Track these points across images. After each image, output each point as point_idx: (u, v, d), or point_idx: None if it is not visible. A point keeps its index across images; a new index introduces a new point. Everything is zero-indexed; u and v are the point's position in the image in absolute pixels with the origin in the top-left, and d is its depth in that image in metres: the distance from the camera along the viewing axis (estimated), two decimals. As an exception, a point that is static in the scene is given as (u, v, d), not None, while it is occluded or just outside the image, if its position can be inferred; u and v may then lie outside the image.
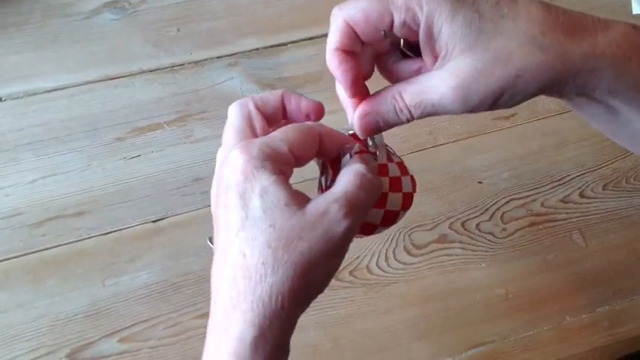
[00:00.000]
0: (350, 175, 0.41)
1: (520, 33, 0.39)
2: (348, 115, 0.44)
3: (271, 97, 0.45)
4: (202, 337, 0.41)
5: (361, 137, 0.44)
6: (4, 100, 0.76)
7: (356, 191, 0.40)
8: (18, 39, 0.81)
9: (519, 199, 0.73)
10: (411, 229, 0.70)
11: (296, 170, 0.42)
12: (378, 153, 0.46)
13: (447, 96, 0.40)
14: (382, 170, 0.46)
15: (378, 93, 0.43)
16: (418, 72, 0.42)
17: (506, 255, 0.69)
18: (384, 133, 0.45)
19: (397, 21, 0.40)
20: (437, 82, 0.40)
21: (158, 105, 0.77)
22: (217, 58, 0.82)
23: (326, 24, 0.41)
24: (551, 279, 0.68)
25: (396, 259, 0.68)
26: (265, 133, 0.43)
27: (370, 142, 0.46)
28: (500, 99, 0.40)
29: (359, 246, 0.68)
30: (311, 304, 0.41)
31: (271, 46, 0.83)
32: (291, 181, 0.41)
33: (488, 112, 0.59)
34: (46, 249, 0.67)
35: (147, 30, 0.83)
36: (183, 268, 0.66)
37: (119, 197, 0.70)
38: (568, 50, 0.39)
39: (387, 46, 0.43)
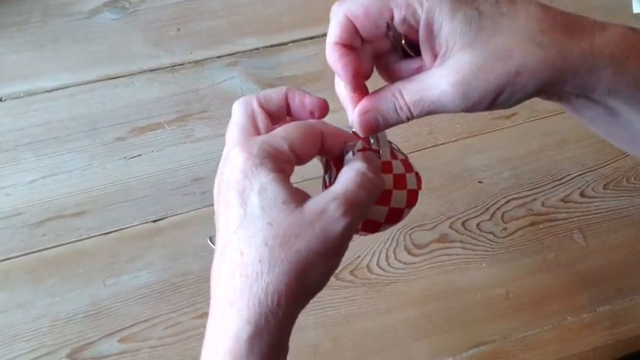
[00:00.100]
0: (350, 173, 0.41)
1: (519, 31, 0.39)
2: (348, 113, 0.44)
3: (275, 94, 0.45)
4: (202, 337, 0.41)
5: (361, 135, 0.44)
6: (5, 99, 0.76)
7: (356, 190, 0.40)
8: (18, 38, 0.81)
9: (520, 198, 0.73)
10: (411, 229, 0.70)
11: (296, 169, 0.42)
12: (381, 150, 0.46)
13: (446, 93, 0.40)
14: (386, 167, 0.46)
15: (378, 91, 0.43)
16: (418, 71, 0.42)
17: (507, 254, 0.69)
18: (386, 131, 0.45)
19: (397, 17, 0.40)
20: (436, 79, 0.40)
21: (158, 104, 0.77)
22: (217, 57, 0.82)
23: (326, 23, 0.41)
24: (551, 278, 0.68)
25: (396, 259, 0.68)
26: (269, 130, 0.43)
27: (372, 140, 0.46)
28: (500, 97, 0.40)
29: (359, 245, 0.68)
30: (311, 304, 0.41)
31: (271, 46, 0.83)
32: (291, 180, 0.41)
33: (488, 112, 0.59)
34: (47, 249, 0.67)
35: (147, 29, 0.83)
36: (183, 268, 0.66)
37: (119, 197, 0.70)
38: (567, 48, 0.39)
39: (387, 44, 0.43)
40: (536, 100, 0.42)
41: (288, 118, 0.46)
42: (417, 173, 0.48)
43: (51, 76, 0.78)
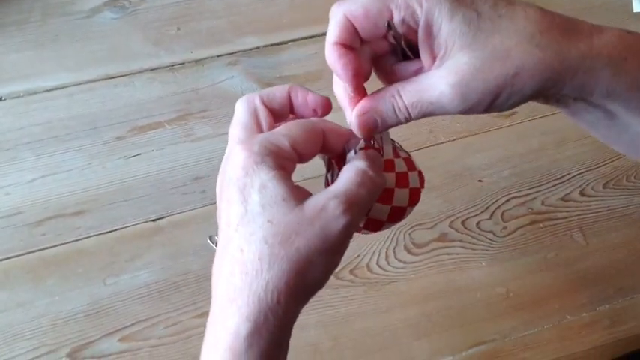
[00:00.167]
0: (351, 171, 0.41)
1: (518, 32, 0.39)
2: (347, 114, 0.44)
3: (277, 92, 0.45)
4: (202, 335, 0.41)
5: (359, 136, 0.43)
6: (5, 99, 0.76)
7: (356, 188, 0.40)
8: (18, 38, 0.81)
9: (520, 197, 0.73)
10: (411, 228, 0.70)
11: (297, 169, 0.42)
12: (383, 149, 0.46)
13: (445, 93, 0.40)
14: (388, 166, 0.46)
15: (376, 92, 0.43)
16: (416, 73, 0.42)
17: (507, 253, 0.69)
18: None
19: (396, 18, 0.40)
20: (435, 80, 0.40)
21: (158, 104, 0.77)
22: (217, 56, 0.82)
23: (326, 23, 0.41)
24: (551, 277, 0.68)
25: (396, 258, 0.68)
26: (271, 128, 0.43)
27: (372, 141, 0.46)
28: (498, 98, 0.40)
29: (359, 245, 0.68)
30: (311, 303, 0.41)
31: (271, 45, 0.83)
32: (292, 179, 0.41)
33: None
34: (47, 248, 0.67)
35: (147, 29, 0.83)
36: (183, 267, 0.66)
37: (119, 196, 0.70)
38: (565, 50, 0.39)
39: (386, 46, 0.43)
40: (536, 99, 0.42)
41: (291, 116, 0.46)
42: (419, 172, 0.48)
43: (51, 75, 0.78)
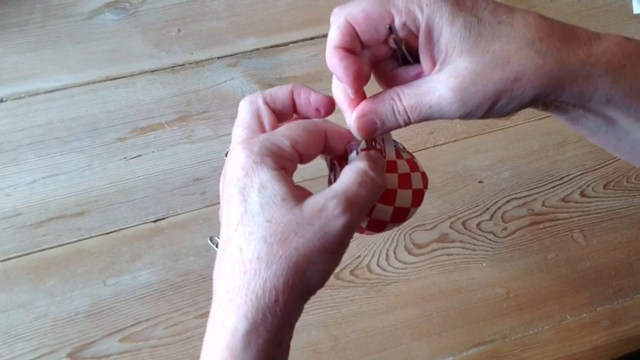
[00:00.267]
0: (351, 172, 0.41)
1: (518, 38, 0.39)
2: (346, 117, 0.44)
3: (280, 92, 0.45)
4: (203, 336, 0.41)
5: (358, 138, 0.44)
6: (5, 100, 0.76)
7: (355, 188, 0.40)
8: (19, 39, 0.82)
9: (520, 198, 0.73)
10: (411, 229, 0.70)
11: (298, 169, 0.42)
12: (385, 149, 0.46)
13: (444, 97, 0.40)
14: (390, 167, 0.46)
15: (376, 95, 0.43)
16: (416, 79, 0.43)
17: (507, 254, 0.69)
18: None
19: (397, 22, 0.40)
20: (435, 84, 0.40)
21: (159, 105, 0.77)
22: (218, 58, 0.82)
23: (326, 24, 0.41)
24: (551, 278, 0.68)
25: (396, 259, 0.68)
26: (274, 128, 0.43)
27: (373, 142, 0.46)
28: (497, 103, 0.40)
29: (360, 245, 0.69)
30: (312, 304, 0.41)
31: (272, 46, 0.83)
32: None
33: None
34: (47, 249, 0.67)
35: (148, 30, 0.84)
36: (184, 268, 0.66)
37: (120, 197, 0.70)
38: (564, 56, 0.39)
39: (386, 51, 0.43)
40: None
41: (295, 115, 0.46)
42: (423, 173, 0.48)
43: (52, 76, 0.79)
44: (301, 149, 0.41)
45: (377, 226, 0.47)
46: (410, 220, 0.48)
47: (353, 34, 0.41)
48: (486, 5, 0.40)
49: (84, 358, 0.61)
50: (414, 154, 0.49)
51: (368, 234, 0.49)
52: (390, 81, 0.44)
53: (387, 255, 0.68)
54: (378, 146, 0.45)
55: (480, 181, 0.74)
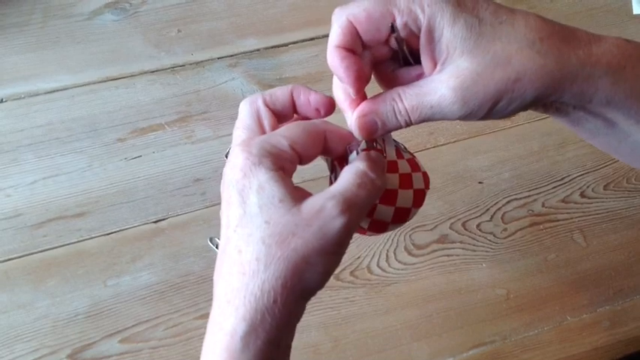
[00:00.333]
0: (350, 172, 0.41)
1: (519, 38, 0.39)
2: (347, 117, 0.44)
3: (280, 92, 0.45)
4: (203, 337, 0.41)
5: (358, 138, 0.44)
6: (5, 100, 0.76)
7: (354, 189, 0.40)
8: (19, 40, 0.82)
9: (520, 199, 0.73)
10: (411, 230, 0.70)
11: (297, 170, 0.42)
12: (386, 149, 0.46)
13: (445, 97, 0.40)
14: (391, 167, 0.46)
15: (378, 95, 0.43)
16: (417, 79, 0.43)
17: (507, 255, 0.69)
18: None
19: (399, 22, 0.40)
20: (436, 84, 0.40)
21: (159, 106, 0.77)
22: (218, 58, 0.82)
23: (327, 25, 0.41)
24: (551, 279, 0.68)
25: (396, 260, 0.68)
26: (274, 129, 0.43)
27: (374, 142, 0.46)
28: (498, 104, 0.40)
29: (360, 246, 0.69)
30: (312, 305, 0.41)
31: (272, 47, 0.83)
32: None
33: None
34: (47, 250, 0.67)
35: (148, 31, 0.84)
36: (184, 269, 0.66)
37: (120, 198, 0.70)
38: (565, 56, 0.39)
39: (386, 51, 0.43)
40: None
41: (295, 116, 0.46)
42: (424, 173, 0.48)
43: (52, 77, 0.79)
44: (300, 150, 0.41)
45: (378, 226, 0.47)
46: (410, 220, 0.48)
47: (354, 33, 0.41)
48: (487, 6, 0.40)
49: (84, 359, 0.61)
50: (415, 154, 0.49)
51: (369, 235, 0.48)
52: (390, 82, 0.44)
53: (387, 256, 0.68)
54: (378, 147, 0.45)
55: (480, 182, 0.74)
